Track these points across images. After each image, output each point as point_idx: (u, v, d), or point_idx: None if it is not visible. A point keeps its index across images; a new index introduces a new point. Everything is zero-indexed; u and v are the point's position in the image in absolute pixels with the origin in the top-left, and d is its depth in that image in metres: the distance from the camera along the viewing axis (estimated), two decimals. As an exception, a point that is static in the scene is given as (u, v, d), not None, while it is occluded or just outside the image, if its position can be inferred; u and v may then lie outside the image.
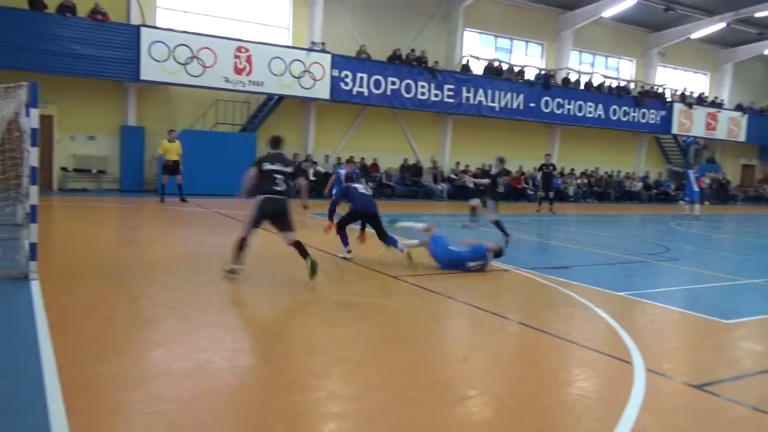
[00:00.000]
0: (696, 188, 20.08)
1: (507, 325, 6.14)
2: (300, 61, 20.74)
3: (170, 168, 16.14)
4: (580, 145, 28.90)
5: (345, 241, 9.35)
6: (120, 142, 19.71)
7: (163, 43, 18.65)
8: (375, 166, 23.79)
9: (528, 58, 28.19)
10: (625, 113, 28.31)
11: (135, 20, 19.23)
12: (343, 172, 14.01)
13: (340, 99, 21.85)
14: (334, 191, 13.77)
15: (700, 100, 31.56)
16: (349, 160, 14.32)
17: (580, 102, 26.93)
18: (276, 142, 7.90)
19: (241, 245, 7.34)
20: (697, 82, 33.69)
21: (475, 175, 16.53)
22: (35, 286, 6.25)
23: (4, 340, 4.79)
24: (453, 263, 8.53)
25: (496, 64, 26.07)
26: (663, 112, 29.51)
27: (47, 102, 16.67)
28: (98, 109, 19.42)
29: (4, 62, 16.28)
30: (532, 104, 25.66)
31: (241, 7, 21.82)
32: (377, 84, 22.28)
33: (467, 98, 24.20)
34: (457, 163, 25.54)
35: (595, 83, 28.53)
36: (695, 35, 29.59)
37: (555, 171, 22.16)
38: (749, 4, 26.63)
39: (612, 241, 13.38)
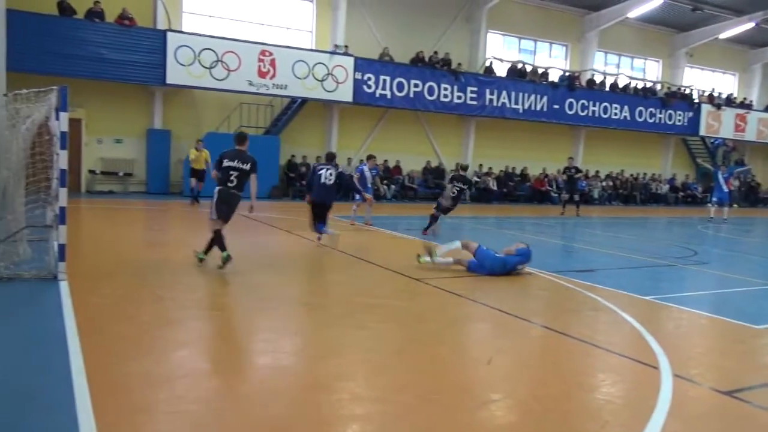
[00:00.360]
0: (725, 189, 19.67)
1: (531, 328, 6.08)
2: (323, 64, 20.85)
3: (197, 174, 16.65)
4: (605, 147, 28.58)
5: (318, 229, 10.22)
6: (146, 145, 20.02)
7: (188, 47, 18.90)
8: (397, 168, 23.80)
9: (552, 59, 27.97)
10: (652, 115, 27.93)
11: (161, 25, 19.51)
12: (365, 168, 14.07)
13: (363, 102, 21.90)
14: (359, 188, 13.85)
15: (729, 101, 31.00)
16: (370, 156, 14.43)
17: (605, 103, 26.64)
18: (239, 139, 8.30)
19: (218, 236, 8.00)
20: (725, 83, 33.10)
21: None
22: (64, 287, 6.37)
23: (34, 339, 4.88)
24: (505, 269, 8.41)
25: (519, 65, 25.92)
26: (690, 114, 29.05)
27: (76, 106, 16.99)
28: (125, 113, 19.74)
29: (35, 67, 16.63)
30: (556, 106, 25.46)
31: (265, 11, 22.01)
32: (400, 86, 22.30)
33: (490, 100, 24.10)
34: (480, 165, 25.42)
35: (621, 84, 28.20)
36: (723, 35, 29.08)
37: (579, 174, 21.92)
38: (779, 3, 26.13)
39: (638, 244, 13.19)
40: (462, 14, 25.07)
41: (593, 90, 26.84)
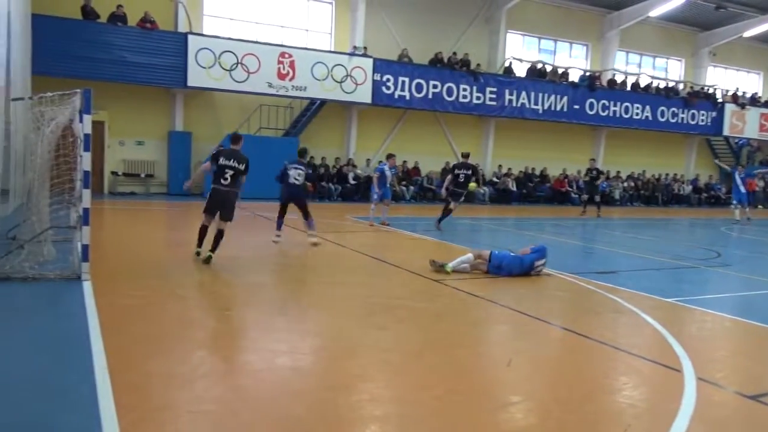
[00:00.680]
0: (743, 189, 19.34)
1: (551, 330, 6.03)
2: (342, 65, 20.91)
3: None
4: (626, 148, 28.27)
5: (279, 226, 10.24)
6: (167, 147, 20.24)
7: (209, 50, 19.07)
8: (416, 169, 23.78)
9: (572, 59, 27.75)
10: (674, 115, 27.58)
11: (182, 28, 19.72)
12: (386, 168, 14.09)
13: (382, 103, 21.92)
14: (375, 189, 13.93)
15: (753, 101, 30.48)
16: (390, 155, 14.45)
17: (626, 103, 26.36)
18: (235, 139, 8.79)
19: (202, 232, 8.49)
20: (749, 82, 32.57)
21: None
22: (87, 287, 6.45)
23: (59, 338, 4.95)
24: (523, 268, 8.38)
25: (539, 66, 25.75)
26: (714, 114, 28.62)
27: (99, 108, 17.24)
28: (147, 115, 19.98)
29: (59, 70, 16.91)
30: (576, 106, 25.25)
31: (285, 13, 22.14)
32: (419, 87, 22.28)
33: (510, 101, 23.97)
34: (500, 166, 25.30)
35: (642, 84, 27.88)
36: (748, 34, 28.61)
37: (601, 175, 21.69)
38: (806, 0, 25.66)
39: (660, 246, 13.02)
40: (481, 14, 24.98)
41: (614, 90, 26.57)
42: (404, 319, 6.08)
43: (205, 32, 20.20)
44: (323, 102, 21.35)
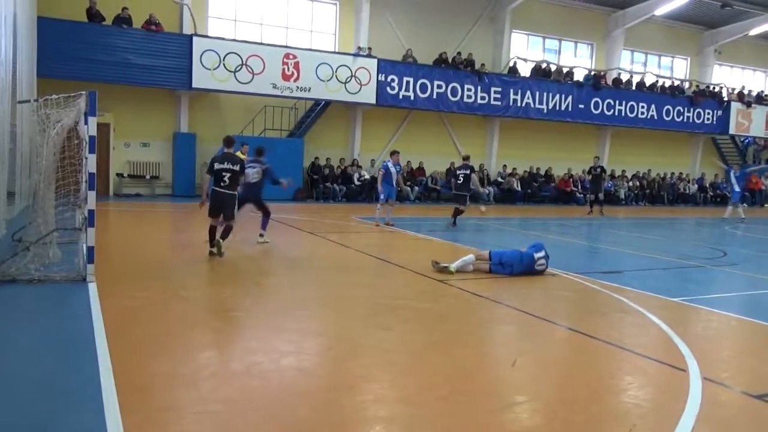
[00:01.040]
0: (737, 189, 19.28)
1: (556, 330, 6.02)
2: (346, 66, 20.92)
3: None
4: (631, 147, 28.17)
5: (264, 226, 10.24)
6: (172, 149, 20.28)
7: (213, 51, 19.12)
8: (421, 169, 23.76)
9: (577, 59, 27.68)
10: (680, 113, 27.47)
11: (187, 30, 19.77)
12: (390, 164, 14.12)
13: (386, 103, 21.92)
14: (380, 186, 13.96)
15: (760, 99, 30.33)
16: (394, 152, 14.56)
17: (631, 102, 26.28)
18: (227, 142, 9.15)
19: (212, 232, 8.86)
20: (756, 81, 32.42)
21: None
22: (92, 288, 6.48)
23: (64, 340, 4.98)
24: (523, 263, 8.38)
25: (544, 65, 25.70)
26: (719, 112, 28.50)
27: (104, 110, 17.27)
28: (152, 117, 20.04)
29: (64, 73, 16.97)
30: (581, 106, 25.19)
31: (289, 14, 22.17)
32: (423, 88, 22.27)
33: (514, 101, 23.94)
34: (504, 166, 25.26)
35: (648, 83, 27.78)
36: (753, 32, 28.46)
37: (605, 174, 21.65)
38: (812, -3, 25.52)
39: (665, 245, 12.98)
40: (485, 14, 24.95)
41: (619, 89, 26.49)
42: (409, 320, 6.07)
43: (209, 34, 20.24)
44: (328, 103, 21.37)
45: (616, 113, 26.04)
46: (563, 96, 24.81)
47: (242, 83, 19.57)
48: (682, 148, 29.92)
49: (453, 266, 8.32)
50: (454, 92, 22.84)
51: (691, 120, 27.86)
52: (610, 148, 27.59)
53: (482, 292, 7.31)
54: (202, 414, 3.65)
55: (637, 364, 5.00)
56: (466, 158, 15.11)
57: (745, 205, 19.68)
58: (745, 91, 30.25)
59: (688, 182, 29.14)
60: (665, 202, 27.77)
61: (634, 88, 27.07)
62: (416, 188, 23.03)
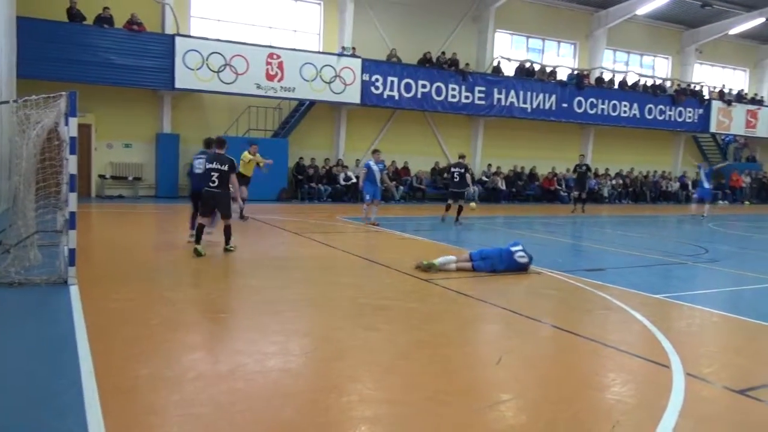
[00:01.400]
0: (707, 185, 19.54)
1: (541, 328, 6.05)
2: (331, 66, 20.88)
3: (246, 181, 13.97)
4: (614, 146, 28.43)
5: (192, 225, 9.92)
6: (155, 149, 20.12)
7: (197, 51, 18.99)
8: (406, 169, 23.78)
9: (560, 58, 27.86)
10: (661, 112, 27.75)
11: (169, 30, 19.61)
12: (372, 163, 14.16)
13: (371, 103, 21.91)
14: (361, 184, 14.03)
15: (740, 98, 30.74)
16: (375, 151, 14.66)
17: (614, 101, 26.51)
18: (217, 143, 9.36)
19: (199, 229, 9.15)
20: (736, 79, 32.84)
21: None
22: (74, 291, 6.41)
23: (45, 344, 4.91)
24: (503, 258, 8.52)
25: (527, 64, 25.83)
26: (701, 111, 28.84)
27: (85, 111, 17.14)
28: (134, 117, 19.86)
29: (45, 73, 16.76)
30: (564, 105, 25.35)
31: (273, 14, 22.08)
32: (408, 87, 22.29)
33: (498, 100, 24.03)
34: (489, 165, 25.35)
35: (630, 82, 28.04)
36: (733, 31, 28.83)
37: (590, 171, 21.81)
38: (790, -3, 25.89)
39: (648, 243, 13.11)
40: (469, 14, 25.02)
41: (602, 88, 26.70)
42: (394, 320, 6.08)
43: (192, 34, 20.10)
44: (312, 103, 21.31)
45: (599, 112, 26.25)
46: (547, 95, 24.95)
47: (226, 83, 19.46)
48: (664, 146, 30.23)
49: (437, 261, 8.37)
50: (438, 92, 22.89)
51: (672, 118, 28.16)
52: (593, 146, 27.80)
53: (467, 291, 7.34)
54: (187, 417, 3.62)
55: (621, 361, 5.04)
56: (462, 157, 15.72)
57: (717, 202, 19.88)
58: (726, 90, 30.63)
59: (670, 180, 29.44)
60: (648, 200, 28.04)
61: (616, 87, 27.30)
62: (401, 188, 23.04)
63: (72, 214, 6.70)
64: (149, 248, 9.94)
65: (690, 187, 28.95)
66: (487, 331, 6.16)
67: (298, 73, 20.36)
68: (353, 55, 21.55)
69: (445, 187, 23.56)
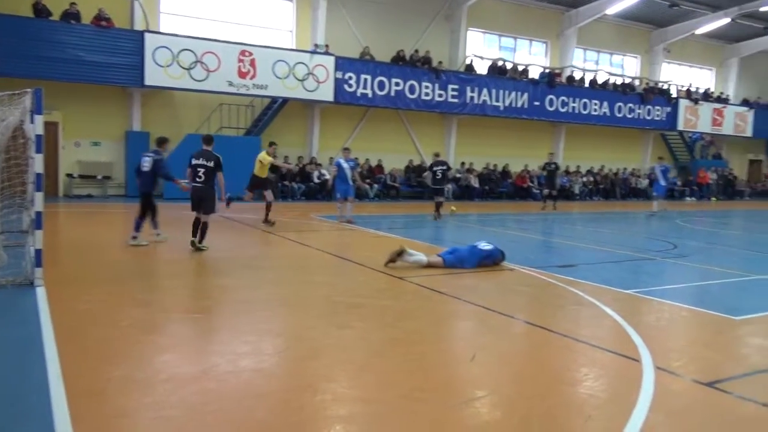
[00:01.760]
0: (663, 183, 19.96)
1: (514, 324, 6.10)
2: (303, 63, 20.77)
3: (261, 184, 13.59)
4: (585, 143, 28.81)
5: (136, 226, 9.88)
6: (125, 148, 19.78)
7: (167, 48, 18.72)
8: (380, 167, 23.77)
9: (532, 56, 28.13)
10: (631, 110, 28.21)
11: (139, 26, 19.31)
12: (342, 161, 14.18)
13: (344, 101, 21.86)
14: (331, 182, 14.05)
15: (706, 96, 31.40)
16: (345, 149, 14.71)
17: (585, 100, 26.86)
18: (206, 140, 9.73)
19: (195, 224, 9.46)
20: (702, 78, 33.54)
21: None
22: (41, 293, 6.26)
23: (10, 346, 4.79)
24: (473, 252, 8.70)
25: (500, 63, 26.03)
26: (669, 109, 29.38)
27: (52, 108, 16.76)
28: (103, 115, 19.50)
29: (10, 70, 16.37)
30: (536, 103, 25.60)
31: (245, 11, 21.87)
32: (381, 85, 22.28)
33: (471, 98, 24.17)
34: (462, 163, 25.48)
35: (600, 81, 28.43)
36: (700, 31, 29.44)
37: (558, 169, 22.07)
38: (754, -2, 26.53)
39: (618, 239, 13.31)
40: (442, 12, 25.11)
41: (573, 86, 27.04)
42: (368, 318, 6.07)
43: (162, 30, 19.81)
44: (285, 100, 21.18)
45: (570, 110, 26.58)
46: (519, 93, 25.18)
47: (197, 80, 19.23)
48: (634, 144, 30.73)
49: (409, 250, 8.53)
50: (411, 90, 22.93)
51: (641, 117, 28.65)
52: (565, 144, 28.14)
53: (441, 288, 7.36)
54: (158, 419, 3.56)
55: (593, 356, 5.10)
56: (438, 155, 16.80)
57: (684, 199, 20.31)
58: (693, 89, 31.26)
59: (639, 177, 29.94)
60: (618, 197, 28.48)
61: (587, 85, 27.66)
62: (375, 186, 23.03)
63: (38, 213, 6.55)
64: (119, 249, 9.76)
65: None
66: (460, 328, 6.19)
67: (271, 71, 20.21)
68: (326, 53, 21.47)
69: (419, 185, 23.75)
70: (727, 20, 28.05)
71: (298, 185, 21.37)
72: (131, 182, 19.54)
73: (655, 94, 29.20)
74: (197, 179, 9.37)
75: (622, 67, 31.02)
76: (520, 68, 26.37)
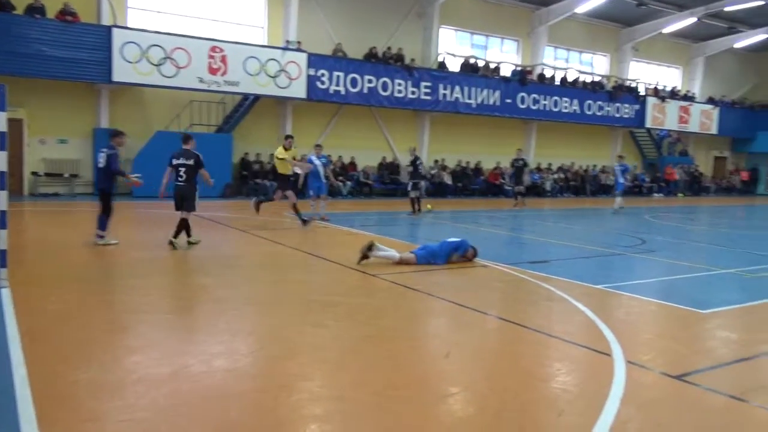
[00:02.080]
0: (621, 180, 20.36)
1: (487, 320, 6.14)
2: (275, 60, 20.60)
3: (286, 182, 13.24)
4: (556, 140, 29.12)
5: (99, 225, 9.73)
6: (93, 145, 19.37)
7: (135, 43, 18.38)
8: (353, 164, 23.72)
9: (504, 54, 28.33)
10: (600, 108, 28.61)
11: (106, 21, 18.93)
12: (314, 158, 14.13)
13: (317, 98, 21.74)
14: (309, 180, 14.04)
15: (673, 94, 32.02)
16: (316, 146, 14.68)
17: (555, 97, 27.15)
18: (184, 139, 9.84)
19: (179, 223, 9.54)
20: (669, 77, 34.16)
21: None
22: (5, 294, 6.10)
23: (-27, 350, 4.66)
24: (443, 246, 8.82)
25: (472, 60, 26.15)
26: (637, 107, 29.88)
27: (16, 105, 16.35)
28: (69, 112, 19.08)
29: (-29, 65, 15.91)
30: (508, 100, 25.80)
31: (216, 6, 21.60)
32: (354, 82, 22.21)
33: (444, 95, 24.25)
34: (436, 160, 25.57)
35: (570, 79, 28.77)
36: (667, 30, 29.98)
37: (527, 166, 22.30)
38: (719, -2, 27.12)
39: (589, 235, 13.50)
40: (414, 10, 25.13)
41: (544, 84, 27.31)
42: (342, 316, 6.05)
43: (130, 25, 19.44)
44: (257, 97, 20.98)
45: (542, 108, 26.85)
46: (491, 91, 25.34)
47: (167, 77, 18.92)
48: (603, 141, 31.17)
49: (378, 245, 8.56)
50: (384, 87, 22.91)
51: (610, 114, 29.08)
52: (536, 141, 28.42)
53: (415, 285, 7.37)
54: (128, 422, 3.49)
55: (565, 351, 5.16)
56: (415, 149, 17.50)
57: (652, 195, 20.70)
58: (660, 87, 31.84)
59: (609, 174, 30.35)
60: (588, 194, 28.87)
61: (557, 83, 27.97)
62: (348, 183, 22.98)
63: (2, 213, 6.38)
64: (87, 248, 9.57)
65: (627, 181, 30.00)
66: (434, 325, 6.21)
67: (242, 67, 20.00)
68: (298, 50, 21.32)
69: (392, 182, 23.77)
70: (693, 20, 28.61)
71: (271, 183, 21.18)
72: (99, 180, 19.20)
73: (624, 92, 29.67)
74: (179, 178, 9.53)
75: (591, 65, 31.43)
76: (492, 66, 26.54)
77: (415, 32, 25.32)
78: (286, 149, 13.06)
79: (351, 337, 5.41)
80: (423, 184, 17.31)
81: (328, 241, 11.66)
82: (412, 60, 23.98)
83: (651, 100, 30.35)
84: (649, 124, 30.65)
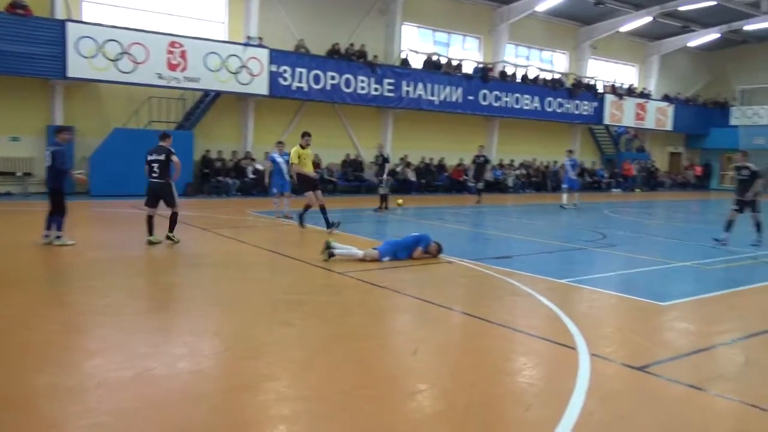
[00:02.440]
0: (573, 176, 20.82)
1: (454, 316, 6.17)
2: (237, 56, 20.30)
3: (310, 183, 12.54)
4: (518, 137, 29.47)
5: (47, 225, 9.63)
6: (46, 143, 18.78)
7: (90, 38, 17.87)
8: (316, 162, 23.53)
9: (465, 51, 28.52)
10: (560, 105, 29.06)
11: (60, 14, 18.35)
12: (276, 155, 14.02)
13: (279, 94, 21.52)
14: (267, 179, 13.96)
15: (630, 92, 32.74)
16: (279, 143, 14.60)
17: (516, 94, 27.46)
18: (161, 136, 9.95)
19: (149, 221, 9.65)
20: (626, 74, 34.92)
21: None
22: (-43, 298, 5.87)
23: None
24: (407, 240, 8.98)
25: (434, 57, 26.26)
26: (595, 104, 30.46)
27: (-35, 101, 15.73)
28: (22, 109, 18.45)
29: None
30: (470, 97, 25.99)
31: (175, 1, 21.16)
32: (317, 79, 22.06)
33: (407, 92, 24.28)
34: (401, 158, 25.61)
35: (531, 76, 29.16)
36: (624, 28, 30.63)
37: (488, 162, 22.53)
38: (673, -2, 27.84)
39: (551, 230, 13.71)
40: (377, 6, 25.07)
41: (506, 81, 27.59)
42: (309, 315, 6.00)
43: (85, 19, 18.90)
44: (218, 94, 20.66)
45: (504, 105, 27.13)
46: (453, 88, 25.49)
47: (124, 72, 18.46)
48: (563, 137, 31.65)
49: (334, 243, 8.62)
50: (347, 84, 22.82)
51: (570, 111, 29.57)
52: (498, 138, 28.71)
53: (381, 282, 7.37)
54: (89, 428, 3.40)
55: (531, 345, 5.23)
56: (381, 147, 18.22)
57: (611, 190, 21.13)
58: (617, 84, 32.54)
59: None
60: (549, 189, 29.33)
61: (518, 80, 28.31)
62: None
63: (-48, 213, 6.14)
64: (42, 249, 9.28)
65: (587, 177, 30.61)
66: (401, 322, 6.21)
67: (203, 63, 19.64)
68: (260, 45, 21.06)
69: (356, 179, 23.71)
70: (648, 19, 29.31)
71: (233, 180, 20.93)
72: (54, 179, 18.64)
73: (583, 89, 30.22)
74: (152, 175, 9.60)
75: (551, 62, 31.91)
76: (455, 63, 26.70)
77: (378, 29, 25.28)
78: (303, 148, 12.17)
79: (318, 335, 5.37)
80: (387, 179, 17.44)
81: (293, 238, 11.56)
82: (375, 57, 23.94)
83: (609, 98, 30.98)
84: (607, 120, 31.29)
